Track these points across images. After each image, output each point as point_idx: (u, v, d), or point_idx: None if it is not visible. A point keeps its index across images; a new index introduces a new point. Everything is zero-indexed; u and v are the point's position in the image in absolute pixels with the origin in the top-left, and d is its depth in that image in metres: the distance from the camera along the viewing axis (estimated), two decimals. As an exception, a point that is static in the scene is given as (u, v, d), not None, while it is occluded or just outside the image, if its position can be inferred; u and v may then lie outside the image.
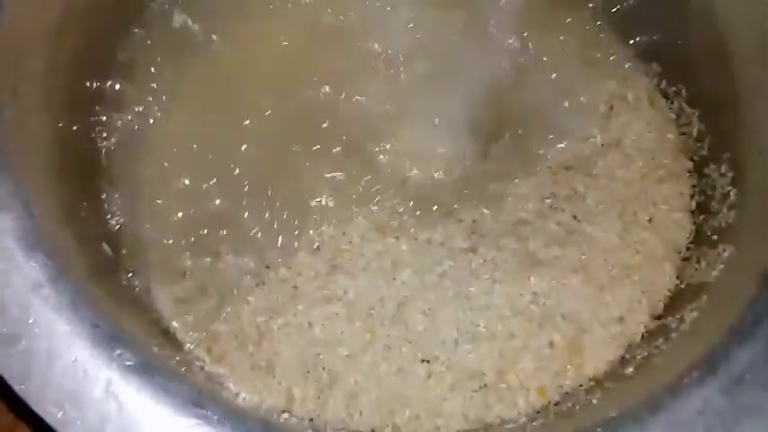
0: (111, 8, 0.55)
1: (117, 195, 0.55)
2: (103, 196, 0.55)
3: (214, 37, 0.60)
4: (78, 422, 0.34)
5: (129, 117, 0.56)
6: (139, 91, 0.57)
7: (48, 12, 0.47)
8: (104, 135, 0.56)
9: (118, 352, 0.36)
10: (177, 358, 0.50)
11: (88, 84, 0.55)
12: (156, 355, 0.40)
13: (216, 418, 0.35)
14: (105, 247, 0.53)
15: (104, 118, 0.56)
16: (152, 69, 0.58)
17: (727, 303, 0.44)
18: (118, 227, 0.55)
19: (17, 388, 0.34)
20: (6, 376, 0.34)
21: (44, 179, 0.45)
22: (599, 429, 0.39)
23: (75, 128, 0.53)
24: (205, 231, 0.55)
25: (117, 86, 0.56)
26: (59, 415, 0.34)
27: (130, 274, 0.54)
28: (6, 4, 0.42)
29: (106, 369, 0.35)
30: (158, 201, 0.56)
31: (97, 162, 0.56)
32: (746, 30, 0.51)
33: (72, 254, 0.43)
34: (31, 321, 0.35)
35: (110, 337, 0.36)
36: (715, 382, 0.38)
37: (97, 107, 0.55)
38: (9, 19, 0.42)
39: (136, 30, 0.58)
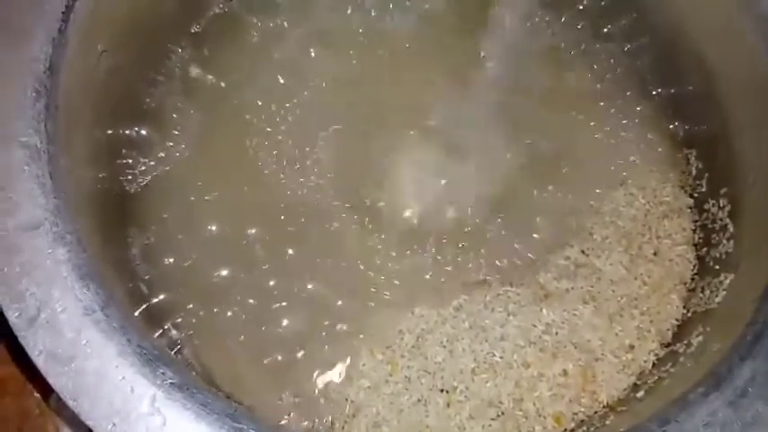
0: (140, 60, 0.60)
1: (145, 237, 0.58)
2: (131, 239, 0.58)
3: (224, 85, 0.64)
4: (127, 434, 0.37)
5: (153, 162, 0.60)
6: (162, 137, 0.61)
7: (96, 69, 0.52)
8: (129, 178, 0.59)
9: (161, 371, 0.39)
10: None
11: (121, 131, 0.59)
12: (194, 377, 0.42)
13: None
14: (142, 286, 0.56)
15: (130, 161, 0.59)
16: (174, 116, 0.62)
17: (729, 325, 0.46)
18: (148, 266, 0.57)
19: (71, 404, 0.37)
20: (61, 392, 0.37)
21: (88, 222, 0.49)
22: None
23: (107, 174, 0.56)
24: (226, 273, 0.58)
25: (143, 132, 0.60)
26: (110, 428, 0.36)
27: (162, 313, 0.56)
28: (63, 65, 0.47)
29: (151, 386, 0.38)
30: (182, 244, 0.58)
31: (127, 206, 0.59)
32: (733, 71, 0.55)
33: (115, 286, 0.46)
34: (83, 343, 0.39)
35: (154, 358, 0.39)
36: (720, 396, 0.40)
37: (124, 150, 0.59)
38: (66, 77, 0.47)
39: (159, 78, 0.62)
